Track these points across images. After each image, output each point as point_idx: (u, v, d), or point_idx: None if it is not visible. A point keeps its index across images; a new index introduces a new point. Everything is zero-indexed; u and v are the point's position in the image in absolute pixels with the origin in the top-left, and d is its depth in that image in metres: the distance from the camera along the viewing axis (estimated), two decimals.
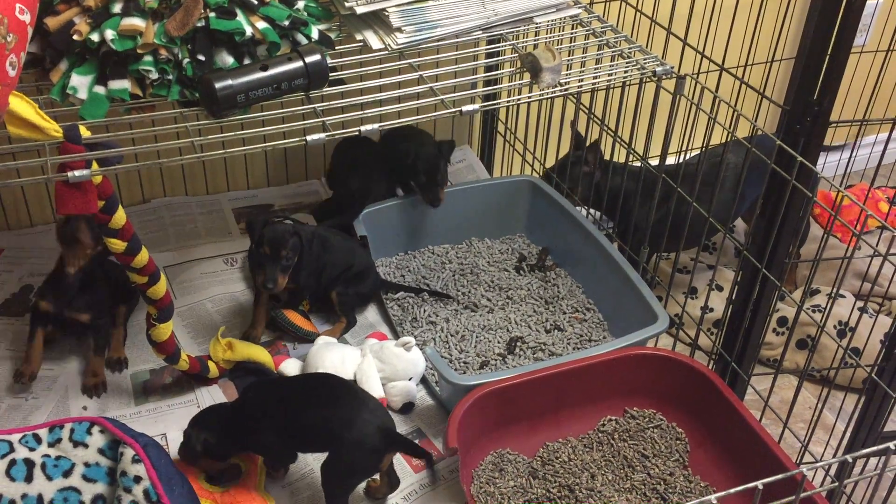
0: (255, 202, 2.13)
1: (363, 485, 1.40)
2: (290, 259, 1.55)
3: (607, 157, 1.88)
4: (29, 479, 1.27)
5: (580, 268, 1.88)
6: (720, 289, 2.09)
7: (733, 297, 1.58)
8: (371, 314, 1.81)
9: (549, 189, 1.96)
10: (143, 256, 1.39)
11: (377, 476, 1.38)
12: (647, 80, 1.48)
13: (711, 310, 1.97)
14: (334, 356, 1.61)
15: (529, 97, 1.57)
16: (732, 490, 0.79)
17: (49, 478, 1.28)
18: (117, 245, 1.35)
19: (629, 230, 1.87)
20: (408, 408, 1.59)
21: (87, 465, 1.30)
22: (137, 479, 1.25)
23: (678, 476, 1.45)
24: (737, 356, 1.58)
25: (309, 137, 1.25)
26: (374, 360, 1.59)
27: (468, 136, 2.34)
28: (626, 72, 1.47)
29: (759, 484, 0.76)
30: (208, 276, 1.88)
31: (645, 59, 1.46)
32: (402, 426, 1.55)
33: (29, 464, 1.26)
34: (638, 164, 1.81)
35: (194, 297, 1.82)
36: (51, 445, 1.29)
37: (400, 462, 1.48)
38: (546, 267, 1.93)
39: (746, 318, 1.55)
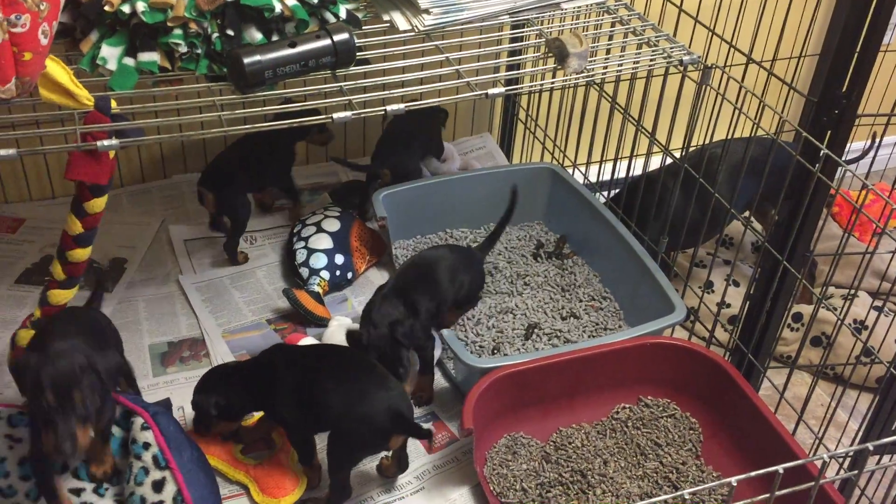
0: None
1: (376, 462, 1.41)
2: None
3: (629, 147, 1.87)
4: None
5: (598, 256, 1.88)
6: (737, 284, 2.08)
7: (752, 290, 1.57)
8: None
9: (569, 177, 1.96)
10: (84, 253, 1.32)
11: (388, 454, 1.39)
12: (674, 69, 1.48)
13: (728, 305, 1.97)
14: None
15: (553, 83, 1.57)
16: (753, 473, 0.79)
17: None
18: (75, 226, 1.29)
19: (648, 221, 1.86)
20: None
21: None
22: (146, 446, 1.27)
23: (690, 465, 1.45)
24: (753, 349, 1.58)
25: (335, 115, 1.26)
26: None
27: (489, 123, 2.34)
28: (651, 60, 1.47)
29: (780, 469, 0.77)
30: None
31: (672, 48, 1.46)
32: (417, 408, 1.56)
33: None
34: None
35: (213, 273, 1.83)
36: None
37: (413, 443, 1.49)
38: (563, 255, 1.93)
39: (765, 311, 1.55)
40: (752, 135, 1.54)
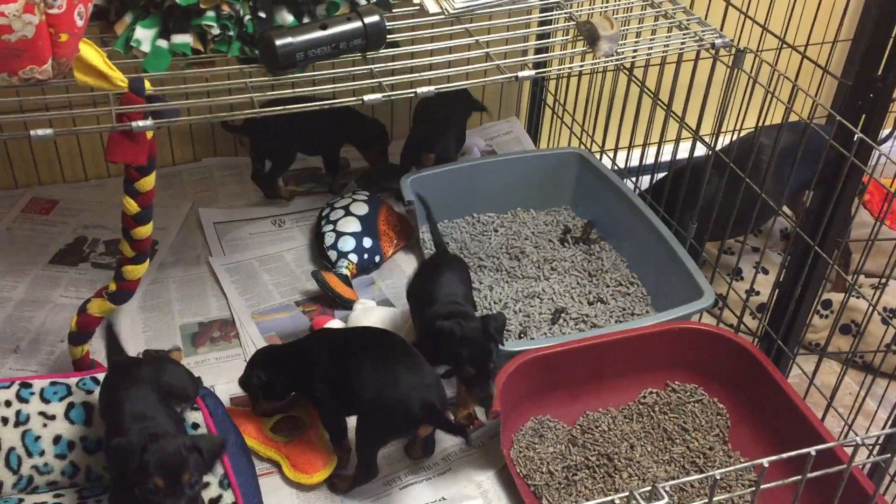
0: (302, 165, 2.14)
1: (404, 442, 1.43)
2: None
3: (658, 133, 1.86)
4: (88, 422, 1.31)
5: (625, 242, 1.88)
6: (765, 272, 2.07)
7: (782, 276, 1.56)
8: None
9: (597, 162, 1.96)
10: (147, 230, 1.34)
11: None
12: (705, 52, 1.47)
13: (757, 293, 1.96)
14: (375, 320, 1.63)
15: (582, 66, 1.56)
16: (785, 455, 0.79)
17: None
18: (131, 206, 1.31)
19: (677, 208, 1.85)
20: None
21: None
22: (195, 426, 1.29)
23: (718, 451, 1.45)
24: (782, 336, 1.57)
25: (366, 97, 1.26)
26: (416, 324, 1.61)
27: (516, 108, 2.34)
28: (682, 43, 1.46)
29: (812, 451, 0.76)
30: (257, 236, 1.91)
31: (703, 31, 1.45)
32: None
33: (87, 407, 1.30)
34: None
35: (242, 255, 1.85)
36: None
37: None
38: (591, 240, 1.93)
39: (795, 298, 1.54)
40: (784, 120, 1.52)
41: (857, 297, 1.84)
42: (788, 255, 1.58)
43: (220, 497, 1.24)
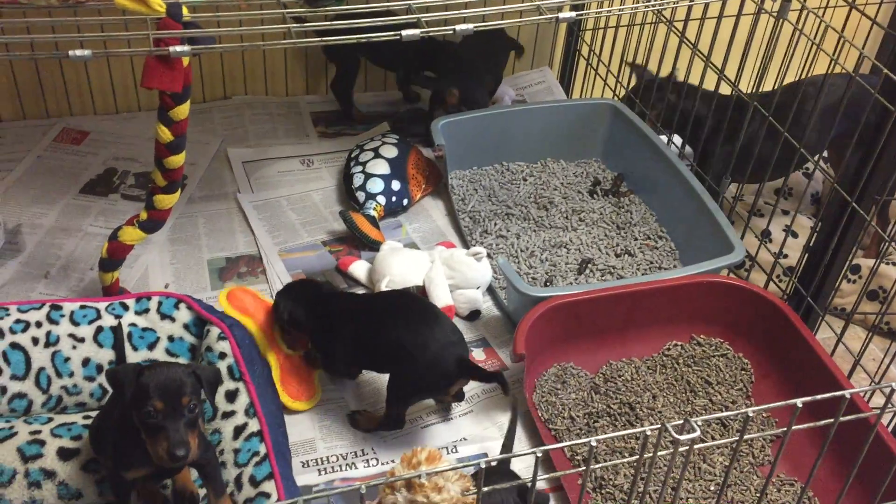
0: (333, 107, 2.13)
1: None
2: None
3: (696, 81, 1.83)
4: (116, 346, 1.32)
5: (655, 195, 1.86)
6: (795, 235, 2.04)
7: (816, 232, 1.54)
8: (441, 222, 1.83)
9: (631, 114, 1.93)
10: (179, 159, 1.35)
11: None
12: (750, 1, 1.43)
13: (785, 255, 1.94)
14: (402, 261, 1.63)
15: (622, 9, 1.53)
16: (819, 396, 0.78)
17: (135, 348, 1.34)
18: (165, 134, 1.31)
19: (711, 159, 1.83)
20: (474, 315, 1.61)
21: (171, 339, 1.35)
22: (222, 356, 1.30)
23: (740, 405, 1.45)
24: (812, 293, 1.56)
25: (404, 32, 1.24)
26: (443, 267, 1.61)
27: (549, 58, 2.30)
28: None
29: (847, 393, 0.76)
30: (285, 175, 1.91)
31: None
32: (467, 334, 1.57)
33: (116, 332, 1.31)
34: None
35: (270, 194, 1.85)
36: (138, 314, 1.34)
37: None
38: (620, 193, 1.91)
39: (828, 255, 1.52)
40: (829, 72, 1.49)
41: (887, 264, 1.82)
42: (822, 215, 1.56)
43: (245, 425, 1.25)
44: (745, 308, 1.51)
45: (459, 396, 1.44)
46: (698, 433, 0.72)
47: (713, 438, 1.40)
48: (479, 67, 1.98)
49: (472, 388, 1.47)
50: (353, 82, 2.07)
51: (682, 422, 0.73)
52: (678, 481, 0.82)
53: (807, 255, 1.60)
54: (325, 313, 1.38)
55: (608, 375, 1.48)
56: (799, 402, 0.75)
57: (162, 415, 1.02)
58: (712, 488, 1.32)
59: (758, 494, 1.31)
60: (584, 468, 0.73)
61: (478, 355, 1.54)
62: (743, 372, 1.50)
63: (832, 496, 1.30)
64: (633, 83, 1.97)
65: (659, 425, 0.74)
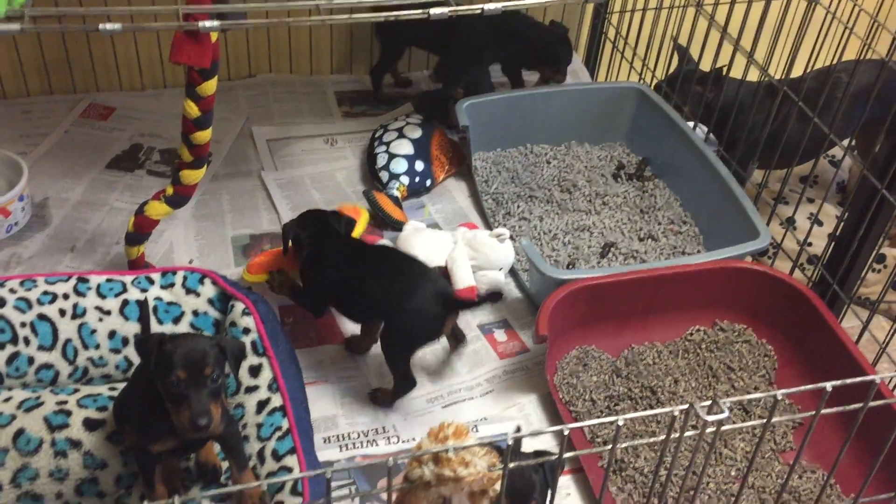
0: (358, 87, 2.13)
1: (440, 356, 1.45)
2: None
3: (725, 66, 1.81)
4: (142, 319, 1.33)
5: (680, 180, 1.85)
6: (820, 223, 2.02)
7: (844, 218, 1.53)
8: (464, 203, 1.83)
9: (657, 98, 1.91)
10: (206, 135, 1.36)
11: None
12: None
13: (810, 244, 1.92)
14: (425, 241, 1.62)
15: None
16: (849, 381, 0.78)
17: (160, 321, 1.35)
18: (192, 110, 1.32)
19: (737, 145, 1.81)
20: (496, 297, 1.60)
21: (195, 313, 1.36)
22: (246, 331, 1.30)
23: (763, 391, 1.44)
24: (838, 281, 1.54)
25: (432, 11, 1.24)
26: (465, 248, 1.61)
27: (575, 40, 2.29)
28: None
29: (877, 378, 0.75)
30: (309, 154, 1.91)
31: None
32: (489, 315, 1.58)
33: (142, 305, 1.32)
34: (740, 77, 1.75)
35: (294, 172, 1.86)
36: (163, 288, 1.35)
37: (486, 347, 1.51)
38: (644, 177, 1.90)
39: (854, 244, 1.50)
40: (860, 57, 1.47)
41: None
42: (850, 202, 1.54)
43: (268, 400, 1.26)
44: (769, 294, 1.50)
45: (459, 337, 1.46)
46: (727, 414, 0.72)
47: (734, 423, 1.39)
48: (480, 56, 1.96)
49: (494, 368, 1.47)
50: (390, 66, 2.08)
51: (709, 403, 0.73)
52: (703, 463, 0.81)
53: (833, 244, 1.58)
54: (318, 247, 1.41)
55: (630, 359, 1.48)
56: (828, 385, 0.75)
57: (185, 384, 1.03)
58: (733, 473, 1.32)
59: (779, 480, 1.31)
60: (609, 447, 0.73)
61: (499, 336, 1.54)
62: (766, 358, 1.49)
63: (853, 483, 1.29)
64: (674, 66, 1.95)
65: (686, 406, 0.73)
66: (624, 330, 1.51)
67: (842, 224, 1.57)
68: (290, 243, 1.43)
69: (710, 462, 1.32)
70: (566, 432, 0.69)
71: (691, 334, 1.53)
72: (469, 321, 1.56)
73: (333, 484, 1.29)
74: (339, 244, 1.42)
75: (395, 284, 1.34)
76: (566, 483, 1.31)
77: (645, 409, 1.41)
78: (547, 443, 1.34)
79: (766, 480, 1.32)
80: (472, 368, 1.47)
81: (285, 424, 1.23)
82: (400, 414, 1.38)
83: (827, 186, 2.08)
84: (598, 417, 1.39)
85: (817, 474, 1.32)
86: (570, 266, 1.67)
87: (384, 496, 1.25)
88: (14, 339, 1.29)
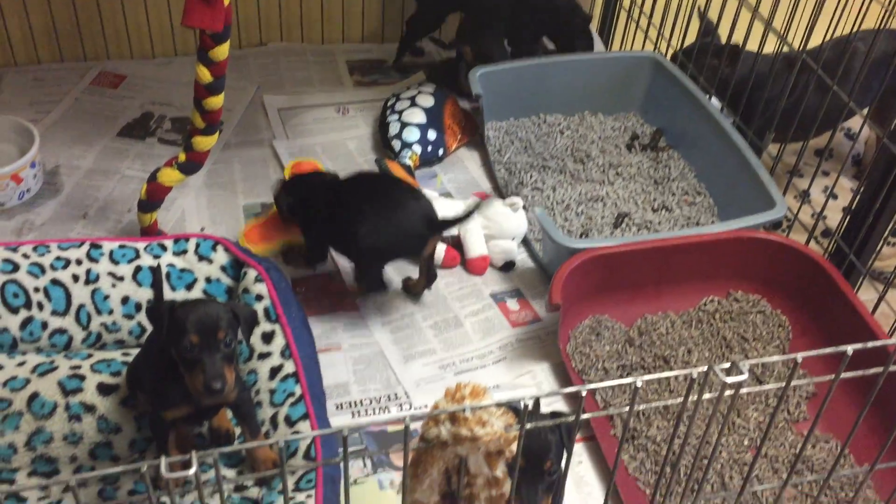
0: (369, 56, 2.12)
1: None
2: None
3: (742, 34, 1.78)
4: (155, 285, 1.33)
5: (695, 151, 1.83)
6: (835, 197, 2.01)
7: (861, 190, 1.51)
8: (477, 173, 1.81)
9: (673, 68, 1.89)
10: (218, 101, 1.35)
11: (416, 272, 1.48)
12: None
13: (825, 217, 1.91)
14: (437, 210, 1.61)
15: None
16: (870, 344, 0.77)
17: (173, 288, 1.35)
18: (204, 75, 1.31)
19: (754, 116, 1.79)
20: (508, 266, 1.60)
21: (208, 280, 1.36)
22: (259, 298, 1.30)
23: (777, 362, 1.43)
24: (854, 252, 1.53)
25: None
26: (478, 217, 1.60)
27: (589, 9, 2.26)
28: None
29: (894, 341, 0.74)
30: (320, 123, 1.90)
31: None
32: (501, 285, 1.57)
33: (155, 271, 1.32)
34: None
35: (306, 141, 1.85)
36: (176, 255, 1.35)
37: (498, 315, 1.51)
38: (659, 147, 1.88)
39: (871, 216, 1.49)
40: (880, 26, 1.45)
41: None
42: (867, 173, 1.52)
43: (281, 366, 1.26)
44: (784, 264, 1.49)
45: (431, 277, 1.48)
46: (745, 376, 0.71)
47: (749, 394, 1.39)
48: (490, 20, 1.93)
49: (506, 336, 1.47)
50: (429, 32, 2.06)
51: (728, 365, 0.72)
52: (718, 431, 0.81)
53: (848, 217, 1.57)
54: (308, 197, 1.44)
55: (643, 329, 1.47)
56: (849, 348, 0.74)
57: (198, 349, 1.03)
58: (746, 443, 1.31)
59: (792, 450, 1.30)
60: (626, 408, 0.73)
61: (511, 306, 1.53)
62: (780, 329, 1.48)
63: (868, 454, 1.29)
64: (691, 36, 1.92)
65: (704, 367, 0.73)
66: (637, 299, 1.50)
67: (857, 197, 1.56)
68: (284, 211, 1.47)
69: (723, 432, 1.32)
70: (583, 393, 0.69)
71: (705, 304, 1.52)
72: (481, 289, 1.55)
73: None
74: (325, 183, 1.46)
75: (380, 201, 1.38)
76: (579, 450, 1.31)
77: (659, 381, 1.40)
78: (561, 406, 1.33)
79: (779, 450, 1.31)
80: (485, 336, 1.47)
81: (298, 391, 1.23)
82: (413, 381, 1.38)
83: (843, 160, 2.06)
84: (611, 387, 1.38)
85: (831, 444, 1.32)
86: (583, 236, 1.66)
87: (398, 459, 1.25)
88: (28, 304, 1.29)
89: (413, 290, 1.51)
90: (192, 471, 0.62)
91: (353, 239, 1.37)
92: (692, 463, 1.24)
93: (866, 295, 1.56)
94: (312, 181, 1.48)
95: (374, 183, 1.45)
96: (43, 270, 1.31)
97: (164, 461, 0.61)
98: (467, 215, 1.38)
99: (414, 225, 1.37)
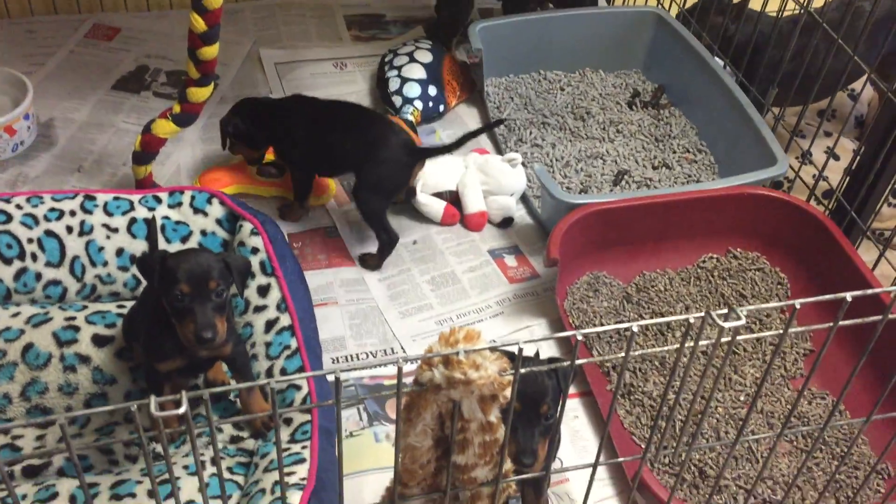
0: (367, 11, 2.09)
1: None
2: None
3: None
4: (150, 237, 1.32)
5: (697, 108, 1.81)
6: (836, 157, 1.99)
7: (861, 150, 1.50)
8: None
9: (676, 24, 1.86)
10: (213, 51, 1.34)
11: None
12: None
13: (825, 178, 1.89)
14: (436, 165, 1.60)
15: None
16: (869, 291, 0.76)
17: (168, 240, 1.33)
18: (198, 24, 1.29)
19: (757, 74, 1.76)
20: (507, 223, 1.59)
21: (203, 233, 1.35)
22: (255, 251, 1.29)
23: (774, 318, 1.43)
24: (855, 211, 1.52)
25: None
26: (477, 173, 1.58)
27: None
28: None
29: None
30: (318, 77, 1.88)
31: None
32: (499, 241, 1.56)
33: (149, 223, 1.31)
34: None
35: None
36: (171, 207, 1.34)
37: (496, 271, 1.50)
38: (660, 105, 1.86)
39: (871, 174, 1.47)
40: None
41: None
42: (868, 132, 1.51)
43: (276, 319, 1.26)
44: (784, 221, 1.48)
45: (410, 193, 1.53)
46: (743, 321, 0.71)
47: (745, 350, 1.39)
48: None
49: (503, 292, 1.46)
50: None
51: (726, 310, 0.71)
52: (717, 377, 0.80)
53: (849, 177, 1.55)
54: (281, 121, 1.46)
55: (641, 286, 1.47)
56: (848, 295, 0.73)
57: (189, 298, 1.02)
58: (742, 398, 1.31)
59: (788, 406, 1.30)
60: (622, 354, 0.72)
61: (509, 262, 1.53)
62: (779, 286, 1.47)
63: (862, 410, 1.29)
64: None
65: (702, 313, 0.72)
66: (636, 256, 1.50)
67: (858, 157, 1.54)
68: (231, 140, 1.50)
69: (718, 386, 1.32)
70: (580, 337, 0.68)
71: (704, 261, 1.51)
72: (479, 246, 1.54)
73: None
74: (304, 106, 1.48)
75: (363, 137, 1.41)
76: (574, 405, 1.31)
77: (655, 335, 1.40)
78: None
79: (774, 406, 1.31)
80: (482, 292, 1.46)
81: (294, 343, 1.23)
82: (409, 335, 1.38)
83: (844, 120, 2.04)
84: (609, 343, 1.38)
85: (827, 400, 1.32)
86: (583, 193, 1.64)
87: (392, 411, 1.25)
88: (21, 255, 1.28)
89: (395, 200, 1.55)
90: (182, 409, 0.61)
91: (359, 174, 1.42)
92: (686, 416, 1.24)
93: (865, 256, 1.55)
94: (266, 103, 1.51)
95: (353, 111, 1.48)
96: (36, 221, 1.30)
97: (153, 400, 0.61)
98: (453, 144, 1.40)
99: (400, 155, 1.41)
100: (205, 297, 1.03)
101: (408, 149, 1.42)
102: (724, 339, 0.73)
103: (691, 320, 0.71)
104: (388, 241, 1.45)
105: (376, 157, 1.40)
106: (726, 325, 0.71)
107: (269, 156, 1.57)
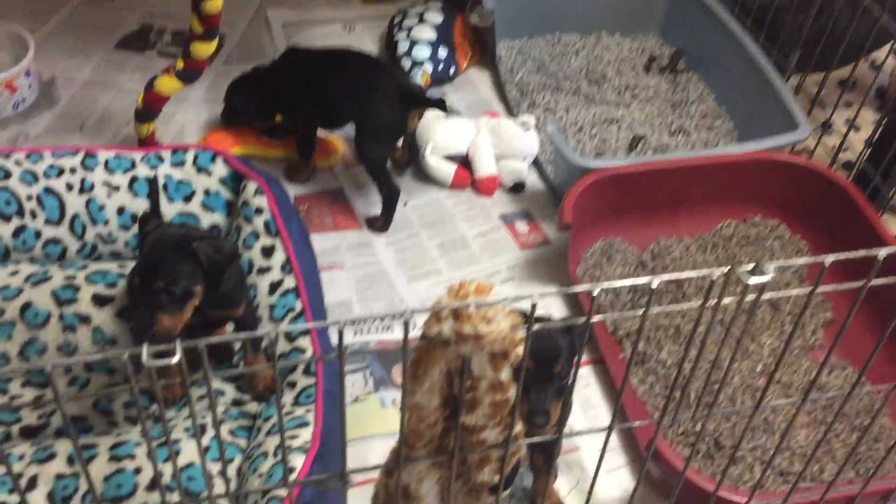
0: None
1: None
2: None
3: None
4: (151, 196, 1.28)
5: (716, 73, 1.75)
6: (857, 129, 1.93)
7: (884, 120, 1.45)
8: (487, 94, 1.75)
9: None
10: (216, 4, 1.30)
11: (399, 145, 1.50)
12: None
13: (846, 149, 1.84)
14: (447, 128, 1.56)
15: None
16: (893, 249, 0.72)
17: (171, 199, 1.30)
18: None
19: (779, 37, 1.71)
20: (518, 188, 1.55)
21: (207, 192, 1.31)
22: (259, 211, 1.25)
23: (793, 287, 1.38)
24: (881, 174, 1.47)
25: None
26: (489, 136, 1.54)
27: None
28: None
29: None
30: (326, 39, 1.83)
31: None
32: (511, 206, 1.52)
33: (151, 182, 1.27)
34: None
35: None
36: (174, 166, 1.30)
37: (507, 236, 1.46)
38: (678, 70, 1.81)
39: (894, 145, 1.42)
40: None
41: None
42: (890, 105, 1.46)
43: (281, 281, 1.22)
44: (806, 188, 1.43)
45: (413, 151, 1.52)
46: (770, 277, 0.67)
47: (763, 320, 1.35)
48: None
49: (514, 257, 1.43)
50: None
51: (752, 265, 0.67)
52: (738, 343, 0.77)
53: (870, 148, 1.50)
54: (279, 83, 1.45)
55: (656, 252, 1.43)
56: (882, 251, 0.69)
57: (138, 291, 0.98)
58: (759, 369, 1.28)
59: (806, 378, 1.27)
60: (642, 311, 0.68)
61: (520, 227, 1.49)
62: (799, 254, 1.43)
63: (884, 379, 1.25)
64: None
65: (726, 269, 0.68)
66: (652, 222, 1.45)
67: (882, 126, 1.49)
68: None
69: (735, 357, 1.28)
70: (595, 292, 0.64)
71: (722, 229, 1.47)
72: (490, 210, 1.51)
73: (347, 367, 1.27)
74: (299, 58, 1.47)
75: (358, 79, 1.39)
76: (587, 373, 1.28)
77: (670, 303, 1.36)
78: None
79: (792, 377, 1.27)
80: (492, 257, 1.42)
81: (298, 306, 1.20)
82: (417, 300, 1.34)
83: (866, 91, 1.98)
84: (622, 311, 1.34)
85: (847, 371, 1.28)
86: (598, 157, 1.60)
87: (399, 377, 1.22)
88: (20, 212, 1.25)
89: (398, 164, 1.53)
90: (175, 359, 0.58)
91: (358, 121, 1.40)
92: (702, 387, 1.20)
93: (888, 226, 1.51)
94: (260, 73, 1.50)
95: (348, 56, 1.46)
96: (36, 178, 1.26)
97: (146, 348, 0.57)
98: (436, 101, 1.39)
99: (395, 97, 1.38)
100: (153, 299, 0.97)
101: (403, 90, 1.39)
102: (748, 297, 0.69)
103: (714, 276, 0.67)
104: (389, 196, 1.42)
105: (372, 99, 1.37)
106: (752, 280, 0.66)
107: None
